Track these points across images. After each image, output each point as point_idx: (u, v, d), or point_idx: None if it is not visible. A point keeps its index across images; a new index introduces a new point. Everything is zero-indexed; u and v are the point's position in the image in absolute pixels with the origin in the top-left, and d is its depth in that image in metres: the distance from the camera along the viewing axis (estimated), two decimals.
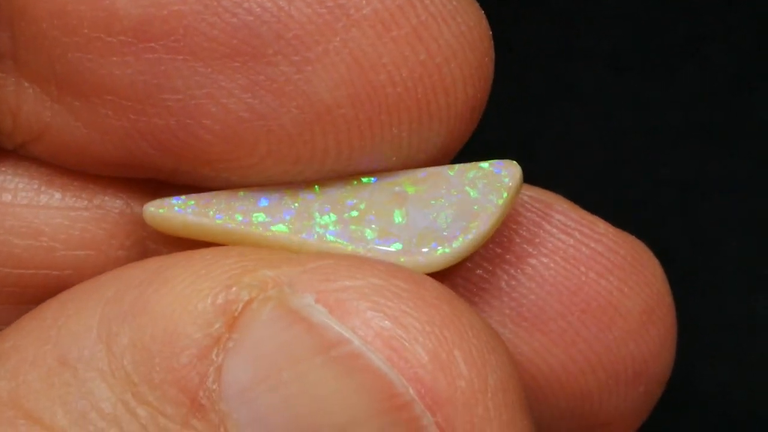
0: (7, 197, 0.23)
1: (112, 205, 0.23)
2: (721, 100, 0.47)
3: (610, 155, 0.46)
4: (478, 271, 0.23)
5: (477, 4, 0.22)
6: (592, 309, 0.23)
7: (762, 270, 0.44)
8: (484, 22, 0.22)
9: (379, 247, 0.22)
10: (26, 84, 0.22)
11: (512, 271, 0.23)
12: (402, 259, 0.21)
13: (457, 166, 0.22)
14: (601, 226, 0.24)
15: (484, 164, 0.22)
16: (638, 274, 0.24)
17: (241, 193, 0.22)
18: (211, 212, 0.22)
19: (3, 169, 0.23)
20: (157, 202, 0.22)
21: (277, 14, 0.21)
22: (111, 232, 0.23)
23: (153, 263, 0.20)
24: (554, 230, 0.24)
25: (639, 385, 0.24)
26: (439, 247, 0.22)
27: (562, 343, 0.23)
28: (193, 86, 0.21)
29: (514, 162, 0.22)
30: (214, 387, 0.19)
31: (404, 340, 0.19)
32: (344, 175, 0.22)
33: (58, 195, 0.23)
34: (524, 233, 0.24)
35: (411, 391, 0.19)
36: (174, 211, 0.22)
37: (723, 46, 0.47)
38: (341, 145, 0.21)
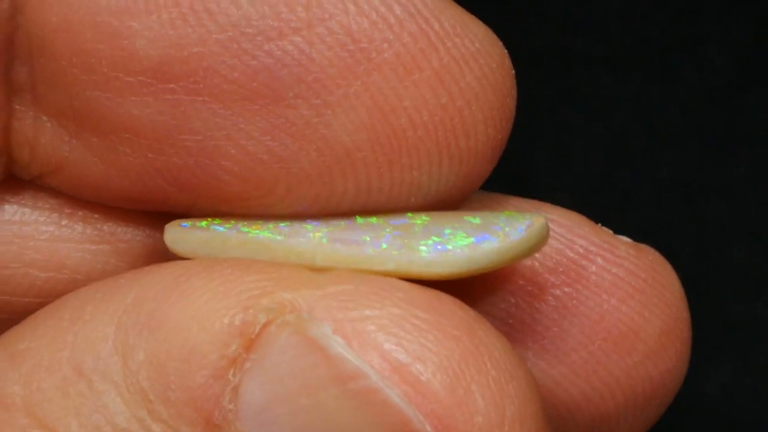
0: (28, 230, 0.23)
1: (134, 237, 0.23)
2: (721, 102, 0.46)
3: (609, 157, 0.46)
4: (502, 305, 0.23)
5: (500, 43, 0.22)
6: (614, 336, 0.23)
7: (764, 273, 0.44)
8: (507, 62, 0.22)
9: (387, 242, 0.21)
10: (44, 118, 0.22)
11: (535, 303, 0.23)
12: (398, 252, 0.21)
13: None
14: (622, 248, 0.24)
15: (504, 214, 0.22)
16: (658, 295, 0.24)
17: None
18: (234, 224, 0.22)
19: (23, 201, 0.23)
20: (178, 221, 0.22)
21: (297, 57, 0.20)
22: (133, 265, 0.23)
23: (172, 270, 0.20)
24: (576, 257, 0.24)
25: (655, 401, 0.24)
26: (443, 245, 0.21)
27: (584, 373, 0.23)
28: (213, 128, 0.21)
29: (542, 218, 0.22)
30: (231, 407, 0.19)
31: (422, 374, 0.19)
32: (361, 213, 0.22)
33: (79, 228, 0.23)
34: (547, 262, 0.23)
35: (428, 427, 0.19)
36: (196, 225, 0.22)
37: (722, 49, 0.47)
38: (360, 187, 0.21)
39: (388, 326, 0.19)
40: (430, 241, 0.21)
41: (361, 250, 0.21)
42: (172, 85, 0.21)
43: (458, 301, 0.20)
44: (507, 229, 0.21)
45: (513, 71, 0.22)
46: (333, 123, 0.21)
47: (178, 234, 0.22)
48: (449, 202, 0.22)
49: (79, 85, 0.21)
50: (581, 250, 0.24)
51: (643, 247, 0.25)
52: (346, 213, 0.22)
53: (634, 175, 0.46)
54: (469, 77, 0.21)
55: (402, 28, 0.20)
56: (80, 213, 0.23)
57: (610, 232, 0.25)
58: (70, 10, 0.20)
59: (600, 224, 0.25)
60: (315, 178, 0.21)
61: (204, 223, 0.22)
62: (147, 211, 0.23)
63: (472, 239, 0.21)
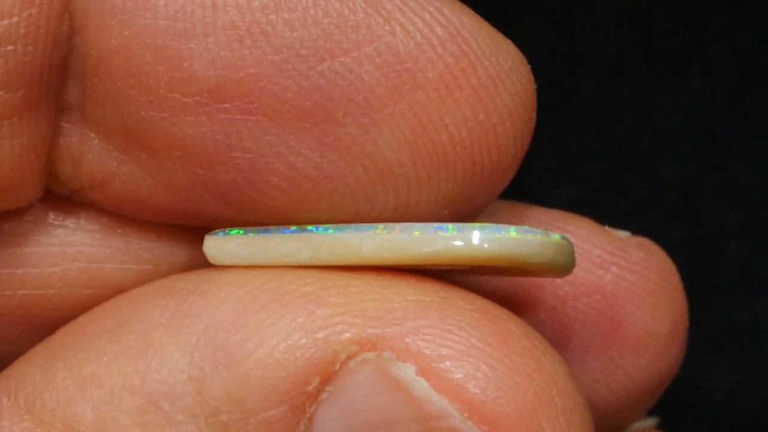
0: (71, 252, 0.23)
1: (177, 257, 0.23)
2: (724, 104, 0.47)
3: (612, 158, 0.46)
4: (529, 320, 0.23)
5: (525, 60, 0.22)
6: (630, 341, 0.24)
7: (764, 273, 0.44)
8: (532, 78, 0.22)
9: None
10: (92, 134, 0.22)
11: (557, 316, 0.24)
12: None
13: None
14: (634, 254, 0.25)
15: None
16: (667, 294, 0.25)
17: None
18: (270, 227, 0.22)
19: (66, 223, 0.23)
20: (212, 232, 0.22)
21: (348, 77, 0.21)
22: None
23: (239, 296, 0.20)
24: (592, 267, 0.24)
25: (660, 391, 0.25)
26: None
27: (604, 379, 0.24)
28: (264, 145, 0.21)
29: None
30: None
31: (500, 415, 0.19)
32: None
33: (122, 247, 0.23)
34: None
35: None
36: (231, 233, 0.22)
37: (726, 50, 0.47)
38: (399, 201, 0.22)
39: (469, 364, 0.20)
40: (477, 228, 0.21)
41: (409, 233, 0.21)
42: (227, 105, 0.21)
43: (519, 321, 0.21)
44: (543, 233, 0.22)
45: (535, 85, 0.22)
46: (378, 140, 0.21)
47: (217, 241, 0.22)
48: (474, 211, 0.23)
49: (135, 105, 0.21)
50: (597, 260, 0.24)
51: (646, 243, 0.26)
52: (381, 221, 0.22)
53: (636, 176, 0.46)
54: (504, 94, 0.22)
55: (444, 49, 0.21)
56: (121, 231, 0.23)
57: (621, 234, 0.25)
58: (130, 33, 0.21)
59: (606, 225, 0.26)
60: (358, 194, 0.22)
61: (240, 231, 0.22)
62: (185, 224, 0.23)
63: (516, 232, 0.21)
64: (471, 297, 0.21)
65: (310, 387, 0.19)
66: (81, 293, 0.23)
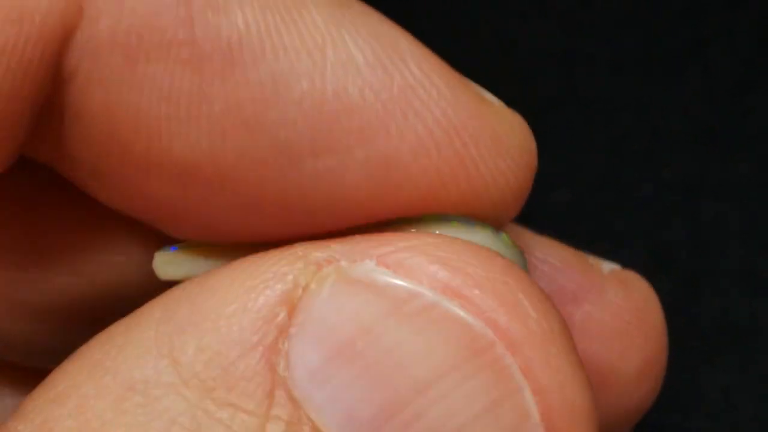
0: (121, 259, 0.24)
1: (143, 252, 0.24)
2: (724, 104, 0.47)
3: (612, 158, 0.46)
4: None
5: (527, 129, 0.22)
6: (595, 376, 0.24)
7: (764, 273, 0.44)
8: (533, 147, 0.22)
9: None
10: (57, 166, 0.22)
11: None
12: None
13: None
14: (611, 291, 0.24)
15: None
16: (640, 334, 0.25)
17: None
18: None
19: (117, 250, 0.23)
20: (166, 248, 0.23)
21: (330, 179, 0.21)
22: None
23: (190, 281, 0.20)
24: (563, 301, 0.24)
25: (629, 425, 0.25)
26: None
27: None
28: (230, 217, 0.21)
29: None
30: (286, 374, 0.19)
31: (472, 288, 0.19)
32: None
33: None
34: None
35: (491, 332, 0.19)
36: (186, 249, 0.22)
37: (725, 50, 0.47)
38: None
39: (427, 251, 0.19)
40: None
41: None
42: (200, 183, 0.21)
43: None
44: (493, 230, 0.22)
45: (536, 150, 0.22)
46: (339, 180, 0.21)
47: (168, 256, 0.22)
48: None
49: (107, 165, 0.21)
50: (570, 296, 0.24)
51: (630, 278, 0.25)
52: None
53: (636, 176, 0.46)
54: (496, 195, 0.21)
55: (439, 154, 0.21)
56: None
57: (600, 267, 0.25)
58: (115, 100, 0.21)
59: (591, 255, 0.25)
60: (330, 226, 0.21)
61: (193, 248, 0.22)
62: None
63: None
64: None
65: (279, 319, 0.19)
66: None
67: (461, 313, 0.19)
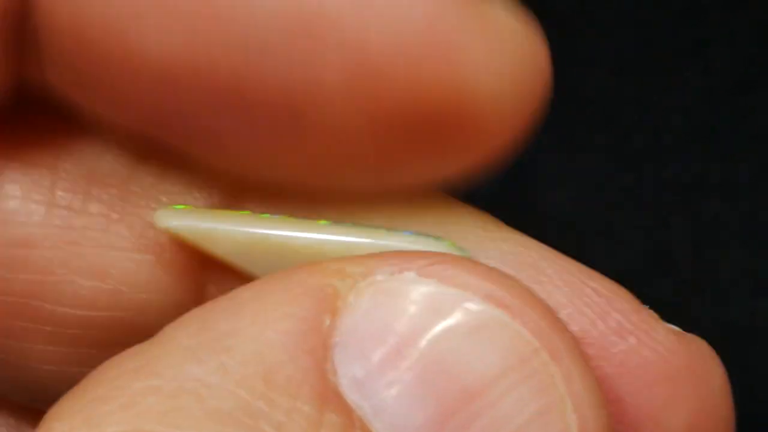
0: (75, 236, 0.23)
1: (179, 248, 0.23)
2: (724, 104, 0.47)
3: (612, 158, 0.46)
4: None
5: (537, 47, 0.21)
6: (631, 421, 0.22)
7: (764, 273, 0.44)
8: (543, 56, 0.21)
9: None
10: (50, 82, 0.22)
11: None
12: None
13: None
14: (661, 332, 0.22)
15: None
16: (692, 386, 0.22)
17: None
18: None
19: (72, 206, 0.23)
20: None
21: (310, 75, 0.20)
22: (178, 276, 0.23)
23: (220, 299, 0.20)
24: (606, 332, 0.22)
25: None
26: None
27: None
28: (219, 122, 0.21)
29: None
30: (335, 380, 0.19)
31: (514, 298, 0.19)
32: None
33: (125, 235, 0.23)
34: (575, 330, 0.22)
35: (536, 341, 0.19)
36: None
37: (726, 51, 0.47)
38: (369, 162, 0.21)
39: (462, 265, 0.19)
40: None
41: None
42: (179, 86, 0.21)
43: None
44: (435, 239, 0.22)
45: (545, 57, 0.21)
46: (329, 112, 0.20)
47: (168, 211, 0.22)
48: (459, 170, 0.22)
49: (86, 73, 0.21)
50: (614, 325, 0.22)
51: (691, 337, 0.23)
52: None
53: (637, 176, 0.46)
54: (489, 99, 0.21)
55: (419, 40, 0.20)
56: (127, 220, 0.23)
57: (656, 315, 0.23)
58: (81, 9, 0.21)
59: (647, 307, 0.24)
60: (322, 168, 0.21)
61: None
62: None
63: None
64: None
65: (324, 326, 0.19)
66: (81, 285, 0.23)
67: (508, 320, 0.19)
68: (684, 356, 0.22)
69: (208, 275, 0.23)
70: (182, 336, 0.19)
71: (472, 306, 0.19)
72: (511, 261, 0.22)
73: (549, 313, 0.19)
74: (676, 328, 0.22)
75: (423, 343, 0.19)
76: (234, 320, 0.19)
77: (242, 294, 0.20)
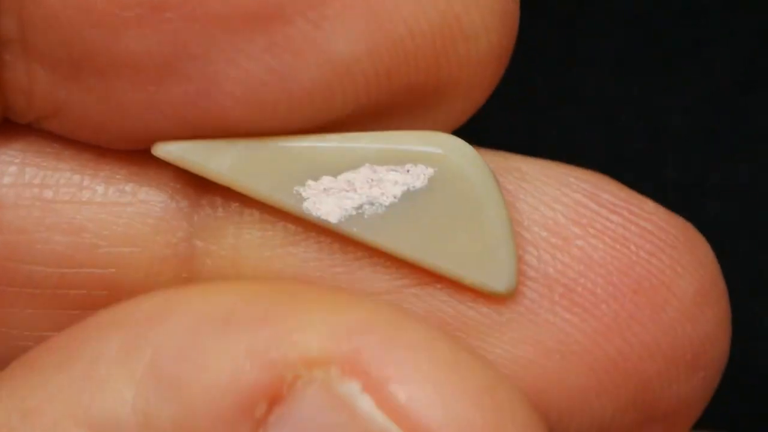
0: (48, 193, 0.22)
1: (157, 199, 0.23)
2: (725, 104, 0.47)
3: (612, 159, 0.46)
4: (525, 258, 0.23)
5: None
6: (645, 289, 0.22)
7: (765, 273, 0.44)
8: None
9: None
10: (37, 66, 0.21)
11: (559, 255, 0.23)
12: None
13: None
14: (650, 204, 0.23)
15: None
16: (690, 254, 0.23)
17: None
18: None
19: (44, 164, 0.23)
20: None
21: None
22: (156, 228, 0.23)
23: (187, 322, 0.20)
24: (602, 210, 0.23)
25: (698, 370, 0.23)
26: None
27: (617, 327, 0.22)
28: (213, 52, 0.20)
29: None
30: None
31: None
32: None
33: (100, 189, 0.23)
34: (571, 214, 0.23)
35: None
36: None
37: (726, 51, 0.47)
38: (360, 102, 0.21)
39: (419, 385, 0.19)
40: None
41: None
42: (169, 14, 0.20)
43: (474, 351, 0.20)
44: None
45: None
46: (332, 36, 0.20)
47: (168, 144, 0.22)
48: (454, 114, 0.22)
49: (74, 27, 0.20)
50: (606, 203, 0.23)
51: (675, 214, 0.24)
52: (352, 129, 0.22)
53: (637, 177, 0.46)
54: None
55: None
56: (102, 174, 0.23)
57: (639, 194, 0.24)
58: None
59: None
60: (316, 96, 0.21)
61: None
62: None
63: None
64: (427, 323, 0.20)
65: (258, 412, 0.19)
66: (58, 242, 0.22)
67: None
68: (678, 226, 0.23)
69: (191, 228, 0.23)
70: (126, 374, 0.19)
71: None
72: (493, 168, 0.23)
73: None
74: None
75: None
76: (176, 375, 0.19)
77: (201, 330, 0.19)
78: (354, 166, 0.22)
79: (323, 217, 0.22)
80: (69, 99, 0.21)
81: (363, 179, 0.22)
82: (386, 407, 0.19)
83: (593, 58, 0.47)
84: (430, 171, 0.22)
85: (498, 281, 0.22)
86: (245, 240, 0.23)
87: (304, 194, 0.22)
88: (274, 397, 0.19)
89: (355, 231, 0.22)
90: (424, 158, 0.22)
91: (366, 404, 0.19)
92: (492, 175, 0.22)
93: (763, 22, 0.47)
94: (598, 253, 0.23)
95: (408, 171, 0.22)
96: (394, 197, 0.22)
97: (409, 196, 0.22)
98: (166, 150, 0.22)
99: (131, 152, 0.23)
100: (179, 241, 0.23)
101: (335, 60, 0.21)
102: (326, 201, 0.22)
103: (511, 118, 0.42)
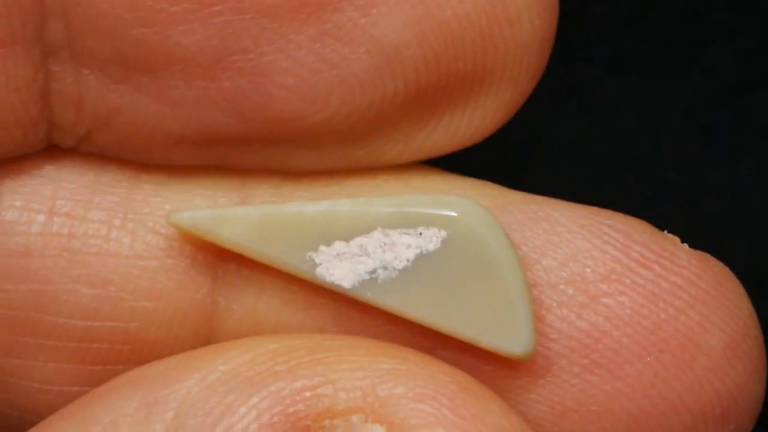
0: (77, 244, 0.22)
1: (181, 254, 0.23)
2: (725, 104, 0.46)
3: (613, 159, 0.46)
4: (548, 320, 0.22)
5: None
6: (672, 348, 0.22)
7: (765, 273, 0.44)
8: None
9: None
10: (86, 71, 0.21)
11: (585, 313, 0.22)
12: None
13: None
14: (683, 256, 0.23)
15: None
16: (721, 306, 0.23)
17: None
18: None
19: (73, 213, 0.22)
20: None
21: None
22: (180, 283, 0.23)
23: (209, 380, 0.20)
24: (632, 264, 0.22)
25: (728, 423, 0.23)
26: None
27: (641, 387, 0.22)
28: (263, 43, 0.20)
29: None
30: None
31: None
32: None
33: (127, 242, 0.22)
34: (600, 270, 0.22)
35: None
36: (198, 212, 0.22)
37: (727, 50, 0.47)
38: (410, 87, 0.21)
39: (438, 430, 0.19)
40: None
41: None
42: (218, 8, 0.20)
43: (499, 400, 0.20)
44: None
45: None
46: (380, 22, 0.20)
47: (182, 211, 0.22)
48: (504, 102, 0.22)
49: (124, 25, 0.20)
50: (638, 257, 0.23)
51: (708, 257, 0.23)
52: (393, 121, 0.22)
53: (638, 176, 0.46)
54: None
55: None
56: (129, 226, 0.23)
57: (676, 239, 0.23)
58: None
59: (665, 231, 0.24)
60: (367, 83, 0.21)
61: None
62: (199, 163, 0.22)
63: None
64: (451, 370, 0.20)
65: None
66: (83, 294, 0.22)
67: None
68: (710, 278, 0.23)
69: (214, 285, 0.23)
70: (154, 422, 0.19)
71: None
72: (523, 219, 0.22)
73: None
74: (697, 251, 0.23)
75: None
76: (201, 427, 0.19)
77: (218, 398, 0.19)
78: (366, 230, 0.22)
79: (336, 282, 0.22)
80: (121, 103, 0.21)
81: (376, 243, 0.22)
82: None
83: (593, 58, 0.47)
84: (443, 233, 0.22)
85: (515, 344, 0.21)
86: (266, 301, 0.22)
87: (317, 260, 0.22)
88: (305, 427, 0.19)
89: (369, 296, 0.21)
90: (437, 221, 0.22)
91: None
92: (506, 237, 0.22)
93: (763, 22, 0.47)
94: (625, 311, 0.22)
95: (421, 234, 0.22)
96: (407, 261, 0.22)
97: (422, 259, 0.22)
98: (177, 218, 0.22)
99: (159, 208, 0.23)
100: (203, 297, 0.22)
101: (385, 46, 0.20)
102: (339, 266, 0.22)
103: (511, 118, 0.42)
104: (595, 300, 0.22)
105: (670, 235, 0.23)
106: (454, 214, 0.22)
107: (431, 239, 0.22)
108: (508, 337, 0.21)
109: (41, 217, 0.22)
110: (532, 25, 0.21)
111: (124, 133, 0.21)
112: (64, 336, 0.22)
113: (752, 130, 0.46)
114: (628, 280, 0.22)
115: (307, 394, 0.19)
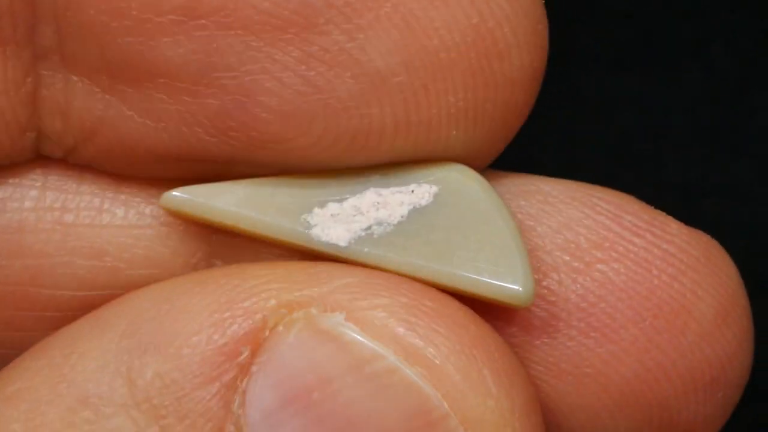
0: (70, 217, 0.22)
1: (177, 221, 0.23)
2: (725, 103, 0.46)
3: (613, 158, 0.46)
4: (545, 282, 0.23)
5: None
6: (665, 313, 0.22)
7: (765, 273, 0.44)
8: None
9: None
10: (75, 78, 0.21)
11: (580, 279, 0.23)
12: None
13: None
14: (673, 226, 0.23)
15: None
16: (712, 274, 0.23)
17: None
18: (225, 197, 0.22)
19: (65, 187, 0.22)
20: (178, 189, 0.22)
21: None
22: (175, 250, 0.23)
23: (161, 291, 0.20)
24: (624, 232, 0.23)
25: (717, 391, 0.23)
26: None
27: (635, 351, 0.22)
28: (247, 61, 0.20)
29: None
30: (240, 412, 0.19)
31: (435, 357, 0.19)
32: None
33: (120, 213, 0.23)
34: (593, 237, 0.23)
35: (446, 405, 0.19)
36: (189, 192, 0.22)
37: (727, 49, 0.47)
38: (398, 116, 0.21)
39: (399, 313, 0.19)
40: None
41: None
42: (203, 21, 0.20)
43: (454, 300, 0.21)
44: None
45: (543, 1, 0.22)
46: (366, 46, 0.20)
47: (171, 192, 0.22)
48: (491, 137, 0.22)
49: (110, 33, 0.20)
50: (629, 225, 0.23)
51: (697, 230, 0.24)
52: (384, 154, 0.22)
53: (637, 176, 0.46)
54: None
55: None
56: (122, 197, 0.23)
57: (664, 213, 0.24)
58: None
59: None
60: (352, 109, 0.21)
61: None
62: (182, 177, 0.22)
63: None
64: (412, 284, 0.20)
65: (241, 357, 0.19)
66: (79, 266, 0.22)
67: (419, 381, 0.19)
68: (700, 247, 0.23)
69: (209, 248, 0.23)
70: (108, 336, 0.19)
71: (387, 362, 0.19)
72: (517, 191, 0.23)
73: (478, 374, 0.19)
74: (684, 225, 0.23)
75: (333, 388, 0.19)
76: (157, 331, 0.19)
77: (178, 300, 0.20)
78: (359, 191, 0.22)
79: (333, 241, 0.22)
80: (106, 114, 0.21)
81: (369, 203, 0.22)
82: (372, 332, 0.19)
83: (593, 57, 0.47)
84: (435, 189, 0.22)
85: (514, 281, 0.22)
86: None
87: (311, 221, 0.22)
88: (257, 342, 0.19)
89: (366, 251, 0.21)
90: (429, 177, 0.22)
91: (352, 330, 0.19)
92: (494, 190, 0.22)
93: (763, 22, 0.47)
94: (619, 277, 0.23)
95: (413, 191, 0.22)
96: (402, 216, 0.22)
97: (416, 213, 0.22)
98: (168, 196, 0.22)
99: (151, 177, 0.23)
100: (198, 261, 0.23)
101: (371, 72, 0.20)
102: (334, 226, 0.22)
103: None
104: (590, 266, 0.23)
105: (657, 210, 0.23)
106: (443, 171, 0.22)
107: (423, 195, 0.22)
108: (507, 275, 0.21)
109: (34, 192, 0.22)
110: (521, 60, 0.21)
111: (109, 146, 0.22)
112: (63, 307, 0.23)
113: (752, 129, 0.46)
114: (621, 248, 0.23)
115: (262, 287, 0.19)
